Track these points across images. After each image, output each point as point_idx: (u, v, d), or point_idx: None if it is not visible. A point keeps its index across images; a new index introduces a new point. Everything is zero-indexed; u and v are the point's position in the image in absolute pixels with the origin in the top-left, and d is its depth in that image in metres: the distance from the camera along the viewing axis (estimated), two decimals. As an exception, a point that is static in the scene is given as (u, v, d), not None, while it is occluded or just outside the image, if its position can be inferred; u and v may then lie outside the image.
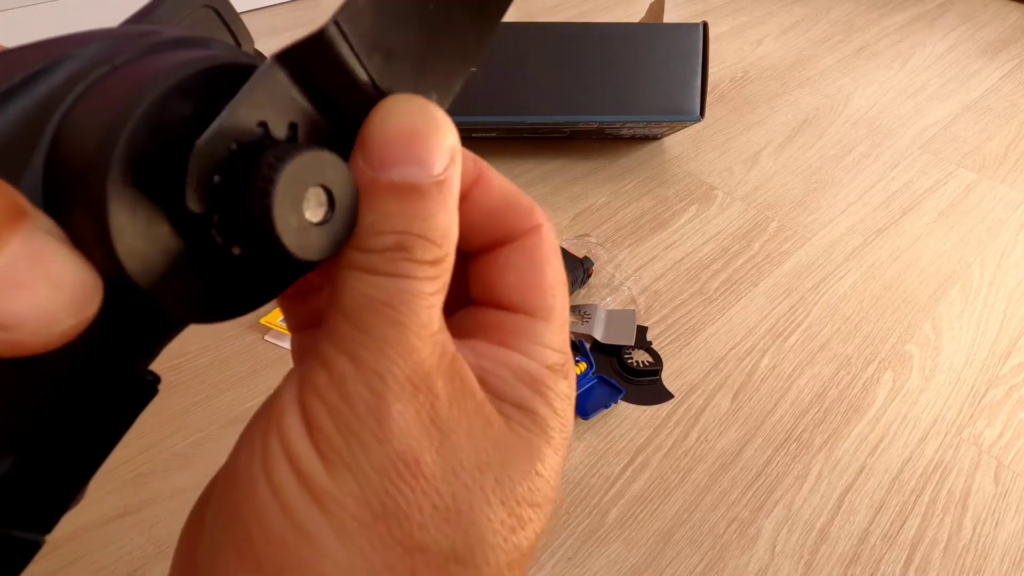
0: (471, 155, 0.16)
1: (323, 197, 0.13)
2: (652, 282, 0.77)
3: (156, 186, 0.12)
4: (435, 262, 0.14)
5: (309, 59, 0.13)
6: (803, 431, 0.64)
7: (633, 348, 0.68)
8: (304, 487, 0.13)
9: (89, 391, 0.13)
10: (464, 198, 0.17)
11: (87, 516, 0.52)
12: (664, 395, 0.65)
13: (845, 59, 1.21)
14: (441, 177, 0.14)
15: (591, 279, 0.75)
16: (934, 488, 0.60)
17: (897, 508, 0.59)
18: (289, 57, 0.13)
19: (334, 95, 0.14)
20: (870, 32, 1.30)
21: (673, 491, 0.58)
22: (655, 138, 0.96)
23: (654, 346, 0.69)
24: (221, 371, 0.63)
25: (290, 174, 0.12)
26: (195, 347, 0.65)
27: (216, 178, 0.12)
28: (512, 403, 0.15)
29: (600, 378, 0.66)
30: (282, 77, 0.13)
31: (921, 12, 1.38)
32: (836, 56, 1.21)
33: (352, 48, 0.13)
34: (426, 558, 0.13)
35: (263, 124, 0.13)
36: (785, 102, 1.08)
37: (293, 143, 0.13)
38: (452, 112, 0.15)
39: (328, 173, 0.13)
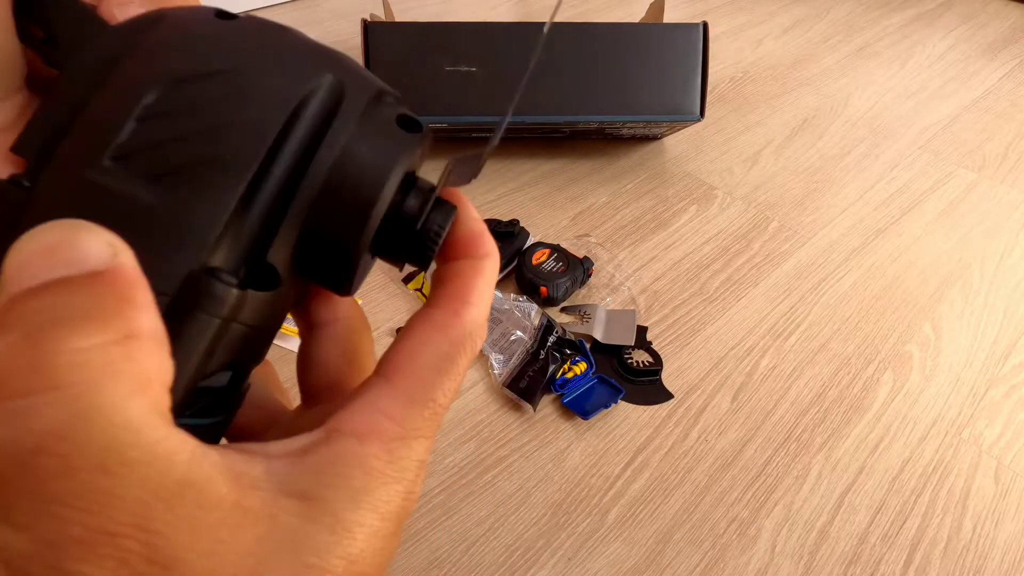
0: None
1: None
2: (652, 282, 0.77)
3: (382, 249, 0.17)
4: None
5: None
6: (803, 431, 0.64)
7: (633, 348, 0.68)
8: None
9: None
10: None
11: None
12: (664, 395, 0.65)
13: (845, 59, 1.21)
14: (99, 268, 0.12)
15: (591, 279, 0.75)
16: (934, 488, 0.60)
17: (897, 508, 0.59)
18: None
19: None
20: (870, 32, 1.30)
21: (673, 491, 0.58)
22: (655, 138, 0.96)
23: (654, 346, 0.69)
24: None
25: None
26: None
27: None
28: (289, 493, 0.14)
29: (600, 378, 0.65)
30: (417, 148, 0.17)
31: (921, 12, 1.38)
32: (836, 56, 1.21)
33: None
34: None
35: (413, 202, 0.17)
36: (785, 102, 1.08)
37: (439, 204, 0.17)
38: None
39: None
